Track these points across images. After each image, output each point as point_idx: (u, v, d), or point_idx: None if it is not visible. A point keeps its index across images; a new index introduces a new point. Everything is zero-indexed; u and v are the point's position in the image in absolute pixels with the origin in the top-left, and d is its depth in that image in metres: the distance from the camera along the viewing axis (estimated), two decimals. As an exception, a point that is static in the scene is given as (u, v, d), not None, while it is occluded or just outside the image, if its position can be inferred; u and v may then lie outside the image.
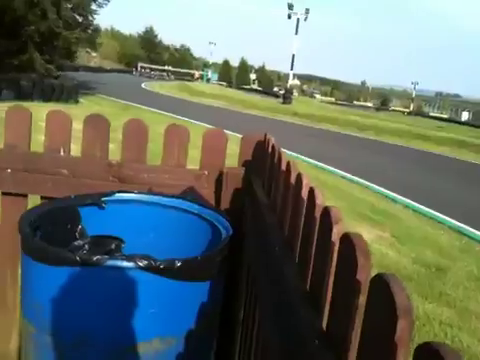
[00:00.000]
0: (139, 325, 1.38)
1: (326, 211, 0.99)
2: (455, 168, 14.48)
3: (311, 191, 1.14)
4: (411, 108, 68.43)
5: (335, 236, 0.92)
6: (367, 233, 5.75)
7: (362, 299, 0.75)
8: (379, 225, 6.20)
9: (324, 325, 0.90)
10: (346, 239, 0.84)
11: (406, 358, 0.61)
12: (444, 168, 14.00)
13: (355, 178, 9.38)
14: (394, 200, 8.02)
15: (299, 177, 1.27)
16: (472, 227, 6.77)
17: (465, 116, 68.91)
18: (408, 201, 7.97)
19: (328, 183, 8.43)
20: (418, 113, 61.31)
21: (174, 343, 1.51)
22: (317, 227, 1.04)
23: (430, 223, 6.88)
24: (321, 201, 1.09)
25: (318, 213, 1.06)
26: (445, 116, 63.89)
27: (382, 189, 8.69)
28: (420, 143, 19.95)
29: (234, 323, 1.97)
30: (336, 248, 0.90)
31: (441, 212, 7.42)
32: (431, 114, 63.76)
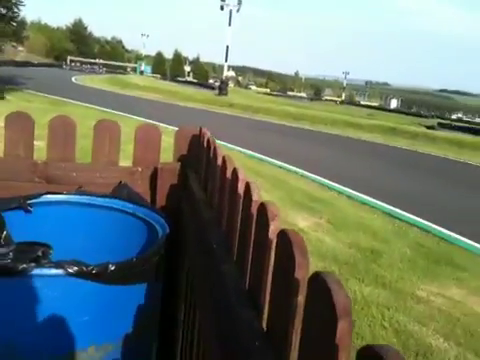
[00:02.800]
0: (72, 334, 1.31)
1: (263, 207, 0.96)
2: (386, 154, 15.03)
3: (247, 186, 1.11)
4: (343, 97, 70.48)
5: (272, 233, 0.89)
6: (304, 221, 5.85)
7: (301, 298, 0.73)
8: (316, 212, 6.33)
9: (264, 325, 0.88)
10: (283, 236, 0.81)
11: (348, 358, 0.59)
12: (375, 154, 14.49)
13: (292, 168, 9.51)
14: (329, 187, 8.20)
15: (235, 172, 1.24)
16: (403, 210, 7.05)
17: (394, 104, 71.94)
18: (342, 188, 8.18)
19: (265, 173, 8.50)
20: (350, 102, 63.35)
21: (111, 349, 1.45)
22: (254, 223, 1.01)
23: (364, 208, 7.10)
24: (257, 197, 1.06)
25: (254, 209, 1.03)
26: (375, 104, 66.33)
27: (317, 177, 8.87)
28: (352, 131, 20.55)
29: (175, 324, 1.92)
30: (273, 245, 0.87)
31: (373, 197, 7.68)
32: (362, 103, 66.02)
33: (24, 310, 1.29)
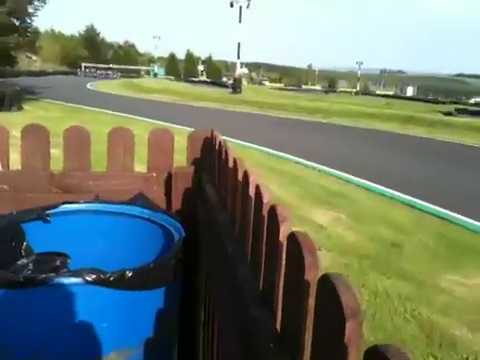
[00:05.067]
0: (93, 341, 1.33)
1: (273, 210, 0.97)
2: (404, 144, 14.85)
3: (258, 189, 1.12)
4: (358, 88, 69.87)
5: (282, 236, 0.90)
6: (323, 216, 5.82)
7: (312, 300, 0.74)
8: (334, 207, 6.30)
9: (278, 326, 0.89)
10: (293, 238, 0.82)
11: (357, 357, 0.60)
12: (393, 144, 14.34)
13: (308, 163, 9.48)
14: (347, 181, 8.15)
15: (246, 174, 1.25)
16: (423, 200, 6.97)
17: (410, 91, 71.10)
18: (361, 181, 8.12)
19: (282, 169, 8.49)
20: (365, 92, 62.65)
21: (133, 354, 1.47)
22: (265, 226, 1.02)
23: (383, 200, 7.04)
24: (268, 199, 1.07)
25: (265, 211, 1.04)
26: (391, 93, 65.60)
27: (335, 171, 8.82)
28: (369, 122, 20.36)
29: (196, 325, 1.94)
30: (284, 248, 0.88)
31: (392, 188, 7.60)
32: (378, 92, 65.32)
33: (46, 318, 1.32)
